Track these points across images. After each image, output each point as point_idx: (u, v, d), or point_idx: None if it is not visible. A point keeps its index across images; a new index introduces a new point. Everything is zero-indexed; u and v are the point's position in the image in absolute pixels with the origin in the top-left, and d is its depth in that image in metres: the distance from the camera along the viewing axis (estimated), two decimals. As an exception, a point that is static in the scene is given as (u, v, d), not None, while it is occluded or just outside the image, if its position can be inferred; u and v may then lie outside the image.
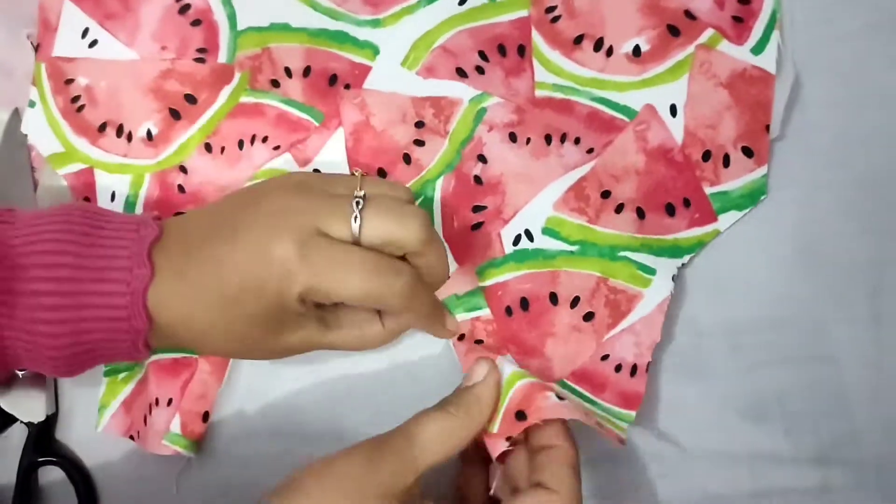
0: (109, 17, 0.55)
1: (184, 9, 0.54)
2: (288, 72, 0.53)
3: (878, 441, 0.50)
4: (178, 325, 0.44)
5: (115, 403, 0.54)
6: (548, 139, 0.52)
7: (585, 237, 0.51)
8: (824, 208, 0.52)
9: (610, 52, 0.52)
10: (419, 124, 0.53)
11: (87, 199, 0.55)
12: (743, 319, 0.51)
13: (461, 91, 0.53)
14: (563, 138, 0.52)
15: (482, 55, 0.53)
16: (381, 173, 0.52)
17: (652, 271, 0.51)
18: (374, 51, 0.53)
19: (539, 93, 0.52)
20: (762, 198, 0.51)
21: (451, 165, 0.52)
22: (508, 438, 0.46)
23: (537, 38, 0.53)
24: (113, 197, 0.54)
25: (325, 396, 0.53)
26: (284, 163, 0.53)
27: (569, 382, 0.51)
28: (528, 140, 0.52)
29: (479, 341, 0.52)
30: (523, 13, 0.53)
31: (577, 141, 0.52)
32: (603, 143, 0.52)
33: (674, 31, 0.51)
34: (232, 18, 0.54)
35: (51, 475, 0.55)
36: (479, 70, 0.53)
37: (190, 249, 0.44)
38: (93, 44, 0.55)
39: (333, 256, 0.42)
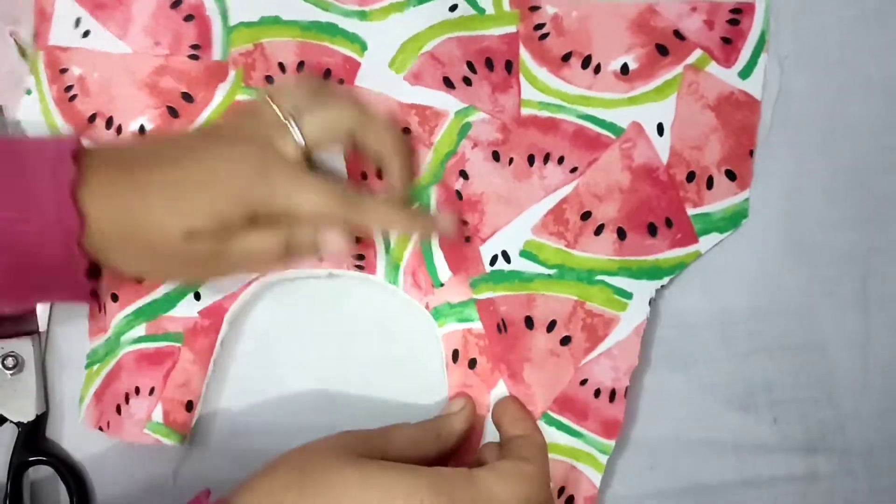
0: (100, 8, 0.54)
1: (176, 3, 0.54)
2: (282, 67, 0.53)
3: (866, 429, 0.51)
4: (114, 222, 0.44)
5: (88, 395, 0.53)
6: (531, 160, 0.52)
7: (563, 261, 0.51)
8: (811, 197, 0.53)
9: (598, 69, 0.52)
10: (405, 131, 0.53)
11: None
12: (730, 309, 0.52)
13: (447, 102, 0.53)
14: (546, 158, 0.52)
15: (470, 66, 0.53)
16: (378, 174, 0.52)
17: (629, 295, 0.51)
18: (363, 46, 0.53)
19: (525, 111, 0.52)
20: (743, 221, 0.51)
21: (437, 177, 0.52)
22: None
23: (525, 55, 0.53)
24: None
25: (319, 392, 0.53)
26: None
27: (553, 415, 0.50)
28: (511, 160, 0.52)
29: (472, 363, 0.51)
30: (511, 29, 0.53)
31: (560, 160, 0.52)
32: (588, 162, 0.52)
33: (662, 50, 0.52)
34: (224, 13, 0.54)
35: (42, 474, 0.54)
36: (467, 81, 0.53)
37: (125, 166, 0.45)
38: (86, 34, 0.55)
39: (295, 174, 0.46)
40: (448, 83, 0.52)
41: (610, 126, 0.52)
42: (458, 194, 0.52)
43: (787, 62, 0.52)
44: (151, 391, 0.52)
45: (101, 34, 0.54)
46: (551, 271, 0.51)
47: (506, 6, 0.53)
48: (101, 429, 0.52)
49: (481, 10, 0.53)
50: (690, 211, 0.51)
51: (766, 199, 0.52)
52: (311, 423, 0.51)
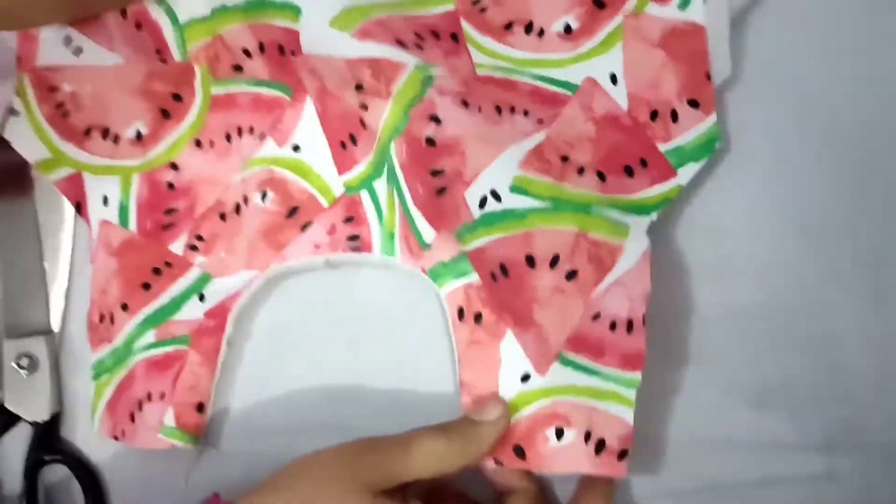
0: (84, 25, 0.55)
1: (123, 14, 0.54)
2: (247, 53, 0.53)
3: (885, 426, 0.50)
4: None
5: (101, 406, 0.54)
6: (498, 110, 0.52)
7: (556, 194, 0.50)
8: (826, 191, 0.52)
9: (541, 33, 0.52)
10: (358, 87, 0.52)
11: (78, 204, 0.55)
12: (745, 304, 0.51)
13: (403, 57, 0.52)
14: (512, 110, 0.52)
15: (418, 36, 0.52)
16: (353, 139, 0.52)
17: (626, 226, 0.50)
18: (296, 11, 0.52)
19: (480, 72, 0.52)
20: (717, 145, 0.51)
21: (398, 129, 0.51)
22: (497, 461, 0.48)
23: (467, 27, 0.53)
24: (105, 201, 0.54)
25: (329, 394, 0.53)
26: (268, 148, 0.53)
27: (568, 356, 0.49)
28: (480, 108, 0.52)
29: (478, 317, 0.50)
30: (450, 7, 0.53)
31: (525, 113, 0.52)
32: (551, 116, 0.51)
33: (599, 4, 0.52)
34: (170, 13, 0.53)
35: (57, 474, 0.55)
36: (418, 46, 0.52)
37: None
38: (78, 51, 0.55)
39: None
40: (400, 44, 0.52)
41: (564, 84, 0.52)
42: (430, 141, 0.51)
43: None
44: (162, 396, 0.52)
45: (94, 48, 0.55)
46: (545, 203, 0.50)
47: None
48: (116, 438, 0.53)
49: None
50: (662, 147, 0.51)
51: (781, 194, 0.52)
52: (321, 420, 0.52)
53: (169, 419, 0.51)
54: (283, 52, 0.53)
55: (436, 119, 0.50)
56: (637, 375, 0.48)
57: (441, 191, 0.50)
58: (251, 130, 0.54)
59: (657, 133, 0.51)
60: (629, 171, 0.51)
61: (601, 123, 0.51)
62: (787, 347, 0.51)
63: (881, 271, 0.51)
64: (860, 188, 0.52)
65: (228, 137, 0.54)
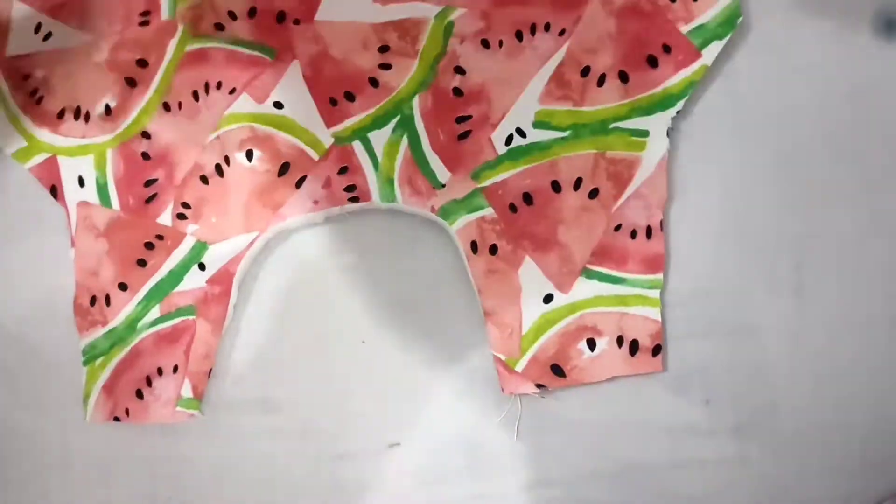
0: (57, 8, 0.56)
1: None
2: (232, 15, 0.54)
3: (796, 413, 0.51)
4: None
5: (95, 390, 0.54)
6: (519, 36, 0.53)
7: (575, 120, 0.52)
8: (751, 180, 0.52)
9: None
10: (383, 48, 0.54)
11: (53, 187, 0.55)
12: (667, 291, 0.52)
13: (424, 10, 0.54)
14: (532, 29, 0.53)
15: None
16: (349, 97, 0.53)
17: (645, 133, 0.52)
18: None
19: None
20: (739, 20, 0.52)
21: (426, 83, 0.53)
22: (540, 386, 0.51)
23: None
24: (81, 182, 0.55)
25: (351, 334, 0.54)
26: (245, 104, 0.54)
27: (593, 269, 0.52)
28: (501, 43, 0.53)
29: (493, 249, 0.52)
30: None
31: (547, 27, 0.53)
32: (572, 20, 0.53)
33: None
34: None
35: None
36: None
37: None
38: (47, 37, 0.56)
39: None
40: None
41: None
42: (457, 91, 0.53)
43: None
44: (175, 369, 0.53)
45: (62, 31, 0.56)
46: (566, 133, 0.53)
47: None
48: (116, 419, 0.54)
49: None
50: (684, 28, 0.52)
51: (705, 181, 0.53)
52: (313, 404, 0.54)
53: (187, 391, 0.53)
54: (281, 19, 0.54)
55: (460, 70, 0.53)
56: (659, 276, 0.52)
57: (464, 135, 0.53)
58: (219, 86, 0.54)
59: (678, 14, 0.52)
60: (652, 62, 0.52)
61: (621, 15, 0.53)
62: (705, 334, 0.52)
63: (802, 262, 0.52)
64: (784, 180, 0.52)
65: (196, 95, 0.54)
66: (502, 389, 0.52)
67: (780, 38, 0.53)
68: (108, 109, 0.55)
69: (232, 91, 0.54)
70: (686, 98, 0.52)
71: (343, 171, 0.54)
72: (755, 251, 0.52)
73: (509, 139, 0.53)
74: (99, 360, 0.54)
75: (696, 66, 0.52)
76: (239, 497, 0.53)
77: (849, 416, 0.51)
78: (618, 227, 0.52)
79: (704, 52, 0.52)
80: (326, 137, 0.54)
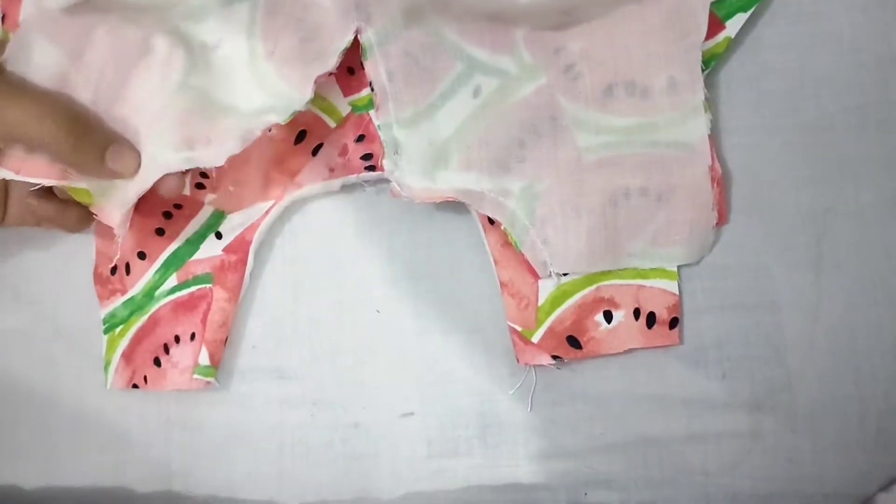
0: None
1: None
2: None
3: (812, 389, 0.51)
4: None
5: (115, 358, 0.54)
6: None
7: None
8: (772, 154, 0.52)
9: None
10: None
11: None
12: (685, 265, 0.52)
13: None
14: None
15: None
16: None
17: None
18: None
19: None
20: None
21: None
22: (556, 357, 0.51)
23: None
24: None
25: (342, 343, 0.54)
26: None
27: None
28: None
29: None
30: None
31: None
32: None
33: None
34: None
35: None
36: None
37: None
38: None
39: None
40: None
41: None
42: None
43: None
44: (192, 336, 0.54)
45: None
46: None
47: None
48: (135, 386, 0.54)
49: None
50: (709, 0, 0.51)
51: (726, 153, 0.52)
52: (327, 375, 0.54)
53: (203, 358, 0.53)
54: None
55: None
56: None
57: None
58: None
59: None
60: None
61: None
62: (723, 308, 0.52)
63: (823, 238, 0.51)
64: (805, 154, 0.52)
65: None
66: (517, 360, 0.52)
67: (807, 9, 0.52)
68: None
69: None
70: (709, 70, 0.51)
71: (360, 139, 0.53)
72: (775, 225, 0.52)
73: None
74: (118, 329, 0.55)
75: (719, 37, 0.51)
76: (252, 465, 0.53)
77: (865, 393, 0.50)
78: None
79: (728, 23, 0.51)
80: (343, 105, 0.54)
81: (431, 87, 0.51)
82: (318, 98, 0.52)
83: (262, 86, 0.49)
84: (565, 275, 0.51)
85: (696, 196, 0.50)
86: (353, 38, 0.49)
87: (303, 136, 0.53)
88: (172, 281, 0.54)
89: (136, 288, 0.54)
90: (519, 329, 0.52)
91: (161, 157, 0.48)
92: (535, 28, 0.51)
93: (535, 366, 0.52)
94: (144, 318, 0.54)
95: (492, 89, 0.51)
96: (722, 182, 0.51)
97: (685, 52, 0.50)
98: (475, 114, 0.51)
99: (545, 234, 0.51)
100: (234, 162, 0.52)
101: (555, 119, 0.51)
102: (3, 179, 0.48)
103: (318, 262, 0.55)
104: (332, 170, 0.53)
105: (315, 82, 0.49)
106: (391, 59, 0.50)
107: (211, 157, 0.48)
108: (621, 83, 0.51)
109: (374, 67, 0.50)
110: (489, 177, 0.51)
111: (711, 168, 0.50)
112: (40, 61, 0.48)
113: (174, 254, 0.54)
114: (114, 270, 0.55)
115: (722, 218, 0.51)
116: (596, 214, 0.50)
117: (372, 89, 0.50)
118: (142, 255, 0.54)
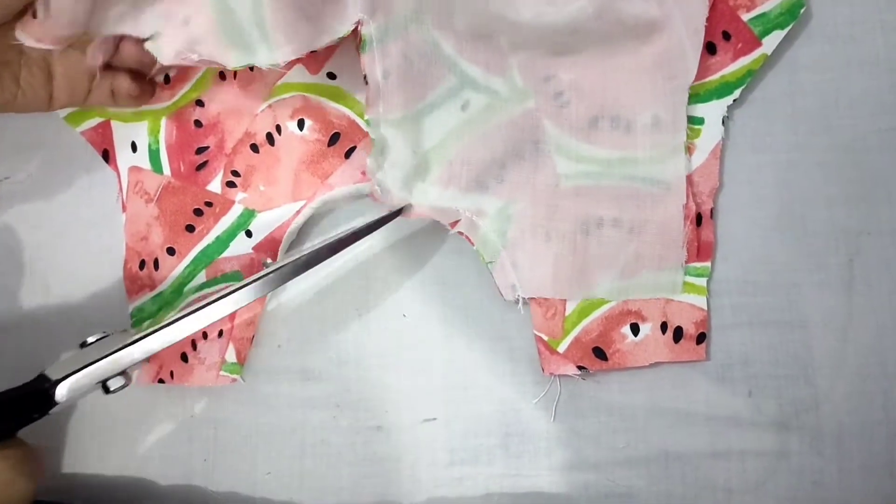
0: None
1: None
2: None
3: (839, 410, 0.50)
4: None
5: None
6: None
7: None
8: (805, 173, 0.52)
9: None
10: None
11: (105, 151, 0.56)
12: (717, 279, 0.52)
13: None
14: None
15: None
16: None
17: (700, 121, 0.52)
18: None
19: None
20: (801, 10, 0.51)
21: None
22: (581, 368, 0.51)
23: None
24: (134, 148, 0.55)
25: (367, 345, 0.54)
26: (298, 74, 0.54)
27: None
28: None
29: None
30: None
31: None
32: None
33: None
34: None
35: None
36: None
37: None
38: None
39: None
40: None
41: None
42: None
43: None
44: (220, 333, 0.54)
45: None
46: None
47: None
48: (161, 381, 0.54)
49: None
50: (745, 16, 0.52)
51: (758, 171, 0.52)
52: (351, 376, 0.54)
53: (231, 355, 0.53)
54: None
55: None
56: (707, 264, 0.51)
57: None
58: None
59: (740, 1, 0.52)
60: (712, 49, 0.52)
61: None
62: (752, 324, 0.51)
63: (855, 259, 0.51)
64: (840, 173, 0.52)
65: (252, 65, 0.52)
66: (542, 370, 0.51)
67: (843, 29, 0.52)
68: (167, 79, 0.55)
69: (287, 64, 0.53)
70: (743, 87, 0.51)
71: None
72: (807, 244, 0.51)
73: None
74: (146, 324, 0.53)
75: (755, 54, 0.51)
76: (273, 464, 0.54)
77: (894, 416, 0.50)
78: None
79: (765, 40, 0.51)
80: None
81: (423, 93, 0.51)
82: (353, 101, 0.53)
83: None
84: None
85: (667, 232, 0.51)
86: (351, 28, 0.49)
87: (336, 138, 0.54)
88: (201, 278, 0.54)
89: (165, 284, 0.55)
90: (545, 338, 0.52)
91: None
92: (531, 53, 0.52)
93: (559, 376, 0.52)
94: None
95: (480, 106, 0.52)
96: (706, 220, 0.51)
97: (671, 93, 0.51)
98: (460, 128, 0.52)
99: (515, 258, 0.51)
100: (266, 162, 0.53)
101: (537, 143, 0.52)
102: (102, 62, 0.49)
103: (346, 265, 0.55)
104: (364, 173, 0.53)
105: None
106: (389, 58, 0.50)
107: None
108: (607, 116, 0.52)
109: (370, 62, 0.50)
110: (467, 194, 0.51)
111: (685, 206, 0.51)
112: None
113: (204, 251, 0.55)
114: (142, 265, 0.55)
115: (703, 255, 0.51)
116: (566, 241, 0.51)
117: (366, 82, 0.50)
118: (171, 251, 0.55)
